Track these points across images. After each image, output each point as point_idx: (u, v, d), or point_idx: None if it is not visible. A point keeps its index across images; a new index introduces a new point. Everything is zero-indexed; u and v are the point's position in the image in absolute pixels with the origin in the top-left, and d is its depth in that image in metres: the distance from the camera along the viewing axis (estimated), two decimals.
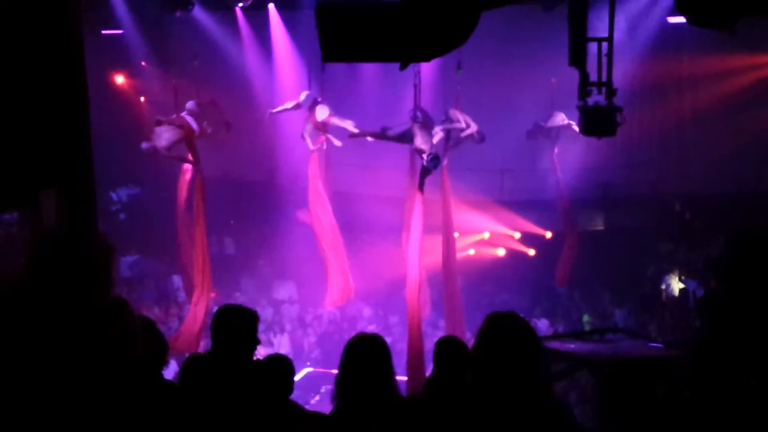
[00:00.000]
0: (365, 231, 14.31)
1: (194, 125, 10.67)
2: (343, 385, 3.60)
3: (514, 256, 15.40)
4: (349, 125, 10.95)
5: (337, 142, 11.34)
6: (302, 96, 11.41)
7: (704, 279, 12.64)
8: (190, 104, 11.05)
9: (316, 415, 4.22)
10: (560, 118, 12.68)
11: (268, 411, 3.70)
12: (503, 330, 3.03)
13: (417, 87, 10.30)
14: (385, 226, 13.41)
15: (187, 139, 10.71)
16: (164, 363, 4.29)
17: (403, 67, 4.96)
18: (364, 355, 3.60)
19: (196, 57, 11.60)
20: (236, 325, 4.12)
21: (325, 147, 11.62)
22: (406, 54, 4.82)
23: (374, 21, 4.90)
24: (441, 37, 4.69)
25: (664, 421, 3.26)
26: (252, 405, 3.68)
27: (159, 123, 10.46)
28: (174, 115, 10.70)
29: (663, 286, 13.91)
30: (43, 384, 2.55)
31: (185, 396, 4.01)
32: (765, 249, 3.52)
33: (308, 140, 11.23)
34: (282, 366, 4.26)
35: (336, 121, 11.02)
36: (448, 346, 4.44)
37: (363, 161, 13.85)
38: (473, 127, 11.24)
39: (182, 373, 4.19)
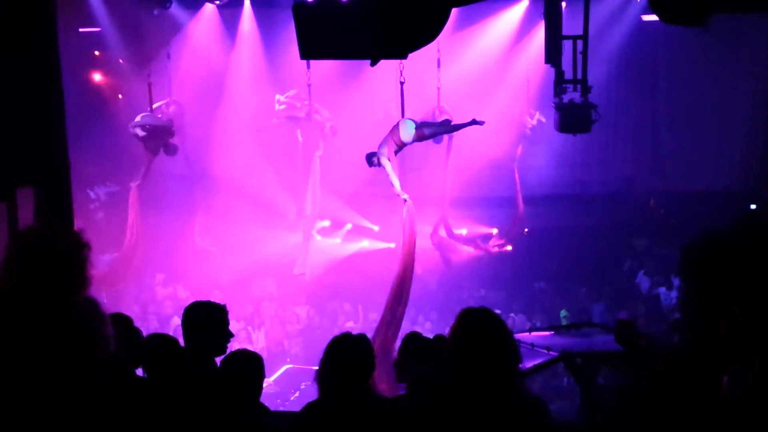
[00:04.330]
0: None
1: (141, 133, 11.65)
2: (323, 383, 3.56)
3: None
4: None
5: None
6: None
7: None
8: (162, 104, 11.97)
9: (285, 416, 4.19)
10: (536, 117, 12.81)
11: (237, 408, 3.68)
12: (476, 326, 3.06)
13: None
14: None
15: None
16: (139, 360, 4.29)
17: (373, 63, 5.01)
18: (349, 355, 3.54)
19: (170, 55, 11.84)
20: (205, 320, 4.16)
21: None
22: (381, 50, 4.87)
23: (350, 18, 4.94)
24: (413, 33, 4.74)
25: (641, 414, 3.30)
26: (222, 401, 3.67)
27: None
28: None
29: (638, 281, 14.07)
30: (13, 381, 2.56)
31: (157, 392, 4.02)
32: (730, 246, 3.61)
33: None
34: (248, 362, 3.92)
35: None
36: (413, 342, 4.45)
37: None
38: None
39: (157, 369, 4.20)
